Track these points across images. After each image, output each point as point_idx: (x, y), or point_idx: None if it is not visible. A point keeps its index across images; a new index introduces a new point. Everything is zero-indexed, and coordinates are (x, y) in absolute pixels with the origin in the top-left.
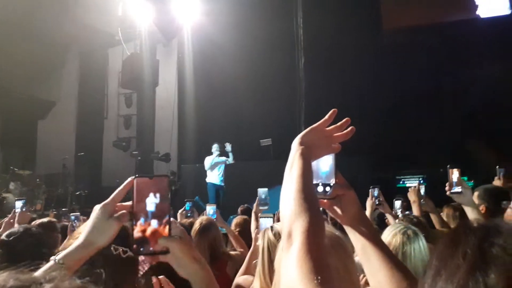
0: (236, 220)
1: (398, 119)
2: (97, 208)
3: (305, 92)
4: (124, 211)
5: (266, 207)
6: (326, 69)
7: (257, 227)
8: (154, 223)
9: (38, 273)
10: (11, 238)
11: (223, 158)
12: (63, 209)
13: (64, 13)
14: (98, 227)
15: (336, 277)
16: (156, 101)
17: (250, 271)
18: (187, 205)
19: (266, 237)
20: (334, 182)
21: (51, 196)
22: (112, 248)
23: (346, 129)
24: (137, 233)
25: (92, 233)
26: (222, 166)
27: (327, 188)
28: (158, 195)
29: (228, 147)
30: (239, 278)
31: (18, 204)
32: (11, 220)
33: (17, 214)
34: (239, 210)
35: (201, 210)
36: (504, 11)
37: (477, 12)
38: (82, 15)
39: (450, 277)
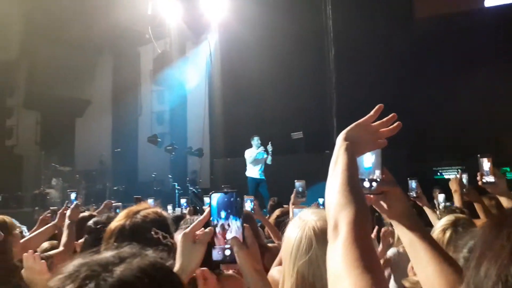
0: (277, 212)
1: (434, 109)
2: (180, 238)
3: (336, 84)
4: (206, 231)
5: (303, 199)
6: (357, 60)
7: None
8: (228, 233)
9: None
10: (98, 226)
11: (264, 154)
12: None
13: (96, 15)
14: (187, 254)
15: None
16: (188, 97)
17: None
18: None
19: None
20: (380, 178)
21: (90, 191)
22: (152, 232)
23: (392, 124)
24: (215, 242)
25: (183, 261)
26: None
27: (373, 184)
28: (230, 209)
29: (270, 147)
30: (273, 270)
31: (72, 195)
32: (64, 212)
33: (70, 208)
34: (269, 203)
35: None
36: None
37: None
38: (113, 15)
39: (494, 257)
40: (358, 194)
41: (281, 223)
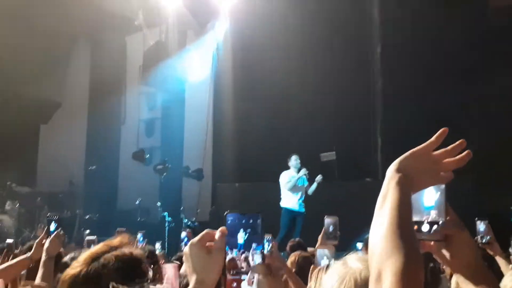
0: (292, 257)
1: (510, 125)
2: (188, 250)
3: (382, 92)
4: (219, 237)
5: (335, 242)
6: (410, 60)
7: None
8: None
9: None
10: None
11: (305, 181)
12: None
13: None
14: (202, 265)
15: None
16: (186, 102)
17: None
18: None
19: (319, 279)
20: (443, 220)
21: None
22: (110, 286)
23: (460, 153)
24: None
25: (198, 273)
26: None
27: (434, 227)
28: (248, 230)
29: (319, 178)
30: None
31: (52, 225)
32: (42, 243)
33: (49, 238)
34: (288, 246)
35: None
36: None
37: None
38: None
39: None
40: (410, 239)
41: (301, 272)
